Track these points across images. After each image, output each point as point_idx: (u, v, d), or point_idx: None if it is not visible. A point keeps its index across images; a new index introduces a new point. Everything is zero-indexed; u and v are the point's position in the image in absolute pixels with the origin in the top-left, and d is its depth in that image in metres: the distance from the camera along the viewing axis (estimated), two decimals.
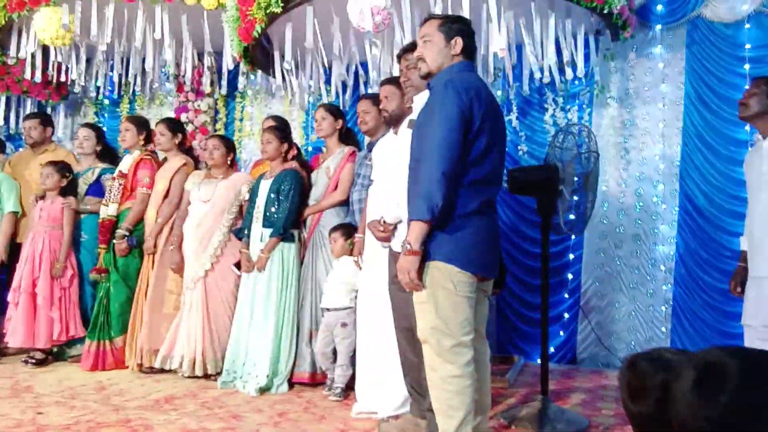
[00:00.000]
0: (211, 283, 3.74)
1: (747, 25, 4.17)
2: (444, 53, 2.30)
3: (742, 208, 4.05)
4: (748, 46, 4.15)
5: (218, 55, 5.00)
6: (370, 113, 3.49)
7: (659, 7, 4.35)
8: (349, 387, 3.33)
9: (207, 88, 5.40)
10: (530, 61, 4.00)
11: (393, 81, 3.16)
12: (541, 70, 3.99)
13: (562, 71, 4.15)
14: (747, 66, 4.13)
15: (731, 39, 4.20)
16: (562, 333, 4.39)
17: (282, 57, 4.24)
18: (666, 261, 4.27)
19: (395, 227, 2.68)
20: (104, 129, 5.02)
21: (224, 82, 5.18)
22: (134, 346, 3.83)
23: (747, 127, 4.09)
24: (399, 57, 2.84)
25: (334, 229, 3.53)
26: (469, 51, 2.34)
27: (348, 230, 3.46)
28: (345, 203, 3.72)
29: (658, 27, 4.37)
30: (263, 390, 3.38)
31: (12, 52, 4.78)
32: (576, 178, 3.09)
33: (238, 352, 3.55)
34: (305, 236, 3.75)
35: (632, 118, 4.43)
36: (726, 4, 4.17)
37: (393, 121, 3.10)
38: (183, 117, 5.40)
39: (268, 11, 3.79)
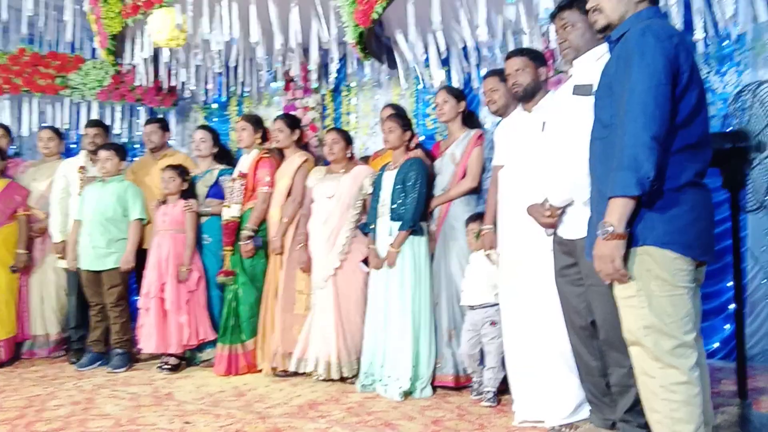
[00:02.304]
0: (342, 282, 3.57)
1: None
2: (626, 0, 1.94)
3: None
4: None
5: (321, 49, 4.85)
6: (498, 90, 3.17)
7: None
8: (500, 391, 3.04)
9: (314, 84, 5.25)
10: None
11: (523, 52, 2.85)
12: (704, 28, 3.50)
13: (715, 29, 3.66)
14: None
15: None
16: (728, 326, 3.88)
17: (396, 41, 3.99)
18: None
19: (563, 211, 2.35)
20: None
21: (332, 77, 5.02)
22: (266, 349, 3.73)
23: None
24: (553, 16, 2.51)
25: (472, 219, 3.25)
26: None
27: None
28: (475, 191, 3.44)
29: None
30: (407, 394, 3.16)
31: (126, 59, 4.83)
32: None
33: (375, 354, 3.34)
34: (433, 229, 3.49)
35: None
36: None
37: (527, 97, 2.79)
38: None
39: None
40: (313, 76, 5.20)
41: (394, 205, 3.42)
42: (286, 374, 3.62)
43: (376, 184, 3.59)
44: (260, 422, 2.78)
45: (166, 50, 4.72)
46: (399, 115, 3.71)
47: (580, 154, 2.09)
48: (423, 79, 4.80)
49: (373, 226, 3.52)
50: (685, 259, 1.78)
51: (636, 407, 1.99)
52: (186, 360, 4.06)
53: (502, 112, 3.21)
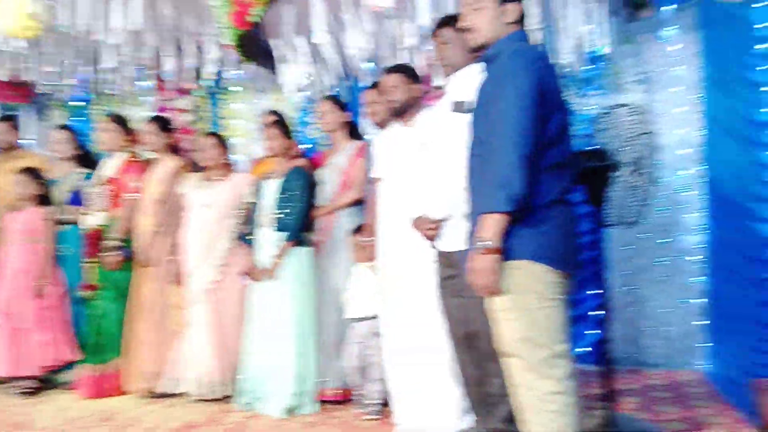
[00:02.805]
0: (219, 295, 3.39)
1: (760, 4, 4.03)
2: (499, 21, 2.00)
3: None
4: (762, 25, 4.02)
5: (198, 48, 4.61)
6: (379, 103, 3.20)
7: None
8: (385, 403, 3.02)
9: (190, 85, 4.96)
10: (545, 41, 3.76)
11: (399, 69, 2.91)
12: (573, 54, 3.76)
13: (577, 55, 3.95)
14: (760, 46, 4.00)
15: (744, 18, 4.07)
16: (590, 332, 4.15)
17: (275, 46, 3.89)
18: (695, 251, 4.10)
19: (443, 224, 2.39)
20: None
21: (208, 78, 4.77)
22: (135, 369, 3.44)
23: (765, 110, 3.98)
24: (433, 33, 2.56)
25: (356, 231, 3.22)
26: (522, 17, 2.06)
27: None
28: (359, 202, 3.41)
29: (670, 8, 4.20)
30: (290, 410, 3.05)
31: None
32: (626, 164, 2.85)
33: (256, 370, 3.19)
34: (318, 240, 3.42)
35: (650, 102, 4.24)
36: None
37: (402, 113, 2.84)
38: None
39: None
40: (188, 76, 4.93)
41: (277, 215, 3.30)
42: (159, 396, 3.37)
43: (258, 193, 3.45)
44: None
45: (20, 41, 4.23)
46: (281, 122, 3.60)
47: (458, 169, 2.13)
48: (305, 87, 4.72)
49: (253, 237, 3.37)
50: (556, 272, 1.84)
51: (512, 416, 2.03)
52: (45, 383, 3.66)
53: (383, 125, 3.22)
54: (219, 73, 4.91)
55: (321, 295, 3.31)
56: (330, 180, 3.45)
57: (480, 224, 1.81)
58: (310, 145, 4.89)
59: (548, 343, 1.81)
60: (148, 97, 5.35)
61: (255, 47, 4.26)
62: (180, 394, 3.32)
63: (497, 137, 1.82)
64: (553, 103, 1.88)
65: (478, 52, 2.09)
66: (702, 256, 4.06)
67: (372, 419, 2.93)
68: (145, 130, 3.77)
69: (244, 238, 3.44)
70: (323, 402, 3.19)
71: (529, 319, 1.81)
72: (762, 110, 3.98)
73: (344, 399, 3.20)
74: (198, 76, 4.99)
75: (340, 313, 3.25)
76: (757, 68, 3.97)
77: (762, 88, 3.96)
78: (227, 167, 3.67)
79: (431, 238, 2.45)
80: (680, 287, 4.09)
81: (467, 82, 2.30)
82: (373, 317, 3.05)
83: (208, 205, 3.50)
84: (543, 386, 1.80)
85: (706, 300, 4.01)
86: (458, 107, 2.35)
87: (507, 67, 1.88)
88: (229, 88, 5.26)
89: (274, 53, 4.10)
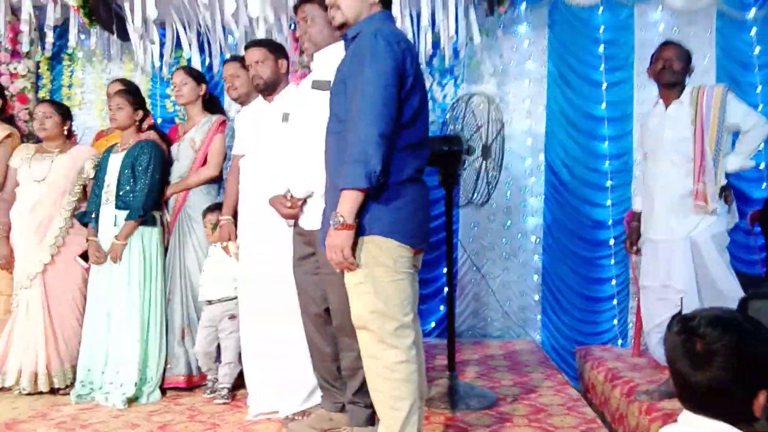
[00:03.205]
0: (53, 280, 3.11)
1: (601, 9, 4.41)
2: (362, 1, 2.01)
3: (601, 180, 4.36)
4: (602, 28, 4.41)
5: (37, 9, 4.16)
6: (240, 77, 3.09)
7: None
8: (235, 387, 2.97)
9: (26, 47, 4.46)
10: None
11: (264, 44, 2.82)
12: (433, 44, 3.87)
13: (437, 45, 4.09)
14: (602, 47, 4.39)
15: (587, 21, 4.43)
16: (442, 307, 4.37)
17: (132, 11, 3.61)
18: (535, 232, 4.44)
19: (305, 202, 2.37)
20: None
21: (49, 42, 4.32)
22: None
23: (603, 105, 4.38)
24: (295, 8, 2.50)
25: (210, 210, 3.09)
26: (389, 1, 2.08)
27: None
28: (215, 180, 3.29)
29: (523, 6, 4.47)
30: (131, 400, 2.88)
31: None
32: (478, 149, 3.00)
33: (94, 360, 2.97)
34: (168, 219, 3.25)
35: (502, 94, 4.50)
36: None
37: (267, 89, 2.77)
38: None
39: None
40: (25, 38, 4.43)
41: (121, 192, 3.07)
42: None
43: (100, 168, 3.19)
44: None
45: None
46: (129, 91, 3.33)
47: (319, 147, 2.12)
48: (161, 56, 4.44)
49: (94, 216, 3.11)
50: (406, 248, 1.90)
51: (363, 389, 2.08)
52: None
53: (243, 100, 3.12)
54: (62, 37, 4.49)
55: (171, 277, 3.15)
56: (184, 156, 3.27)
57: (339, 201, 1.82)
58: (163, 120, 4.63)
59: (396, 314, 1.87)
60: None
61: (104, 11, 3.93)
62: (4, 389, 3.01)
63: (355, 115, 1.83)
64: (411, 86, 1.91)
65: (341, 30, 2.08)
66: (540, 237, 4.40)
67: (221, 403, 2.85)
68: None
69: (84, 217, 3.17)
70: (171, 389, 3.05)
71: (379, 292, 1.85)
72: (601, 106, 4.40)
73: (192, 385, 3.09)
74: (37, 39, 4.52)
75: (192, 296, 3.13)
76: (599, 67, 4.38)
77: (602, 86, 4.37)
78: (67, 139, 3.36)
79: (290, 217, 2.42)
80: (520, 265, 4.43)
81: (330, 60, 2.27)
82: (228, 299, 2.97)
83: (42, 180, 3.18)
84: (390, 356, 1.85)
85: (542, 276, 4.37)
86: (319, 85, 2.32)
87: (367, 46, 1.88)
88: (77, 54, 4.81)
89: (128, 19, 3.80)
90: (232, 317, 2.95)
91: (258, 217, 2.67)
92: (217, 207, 3.09)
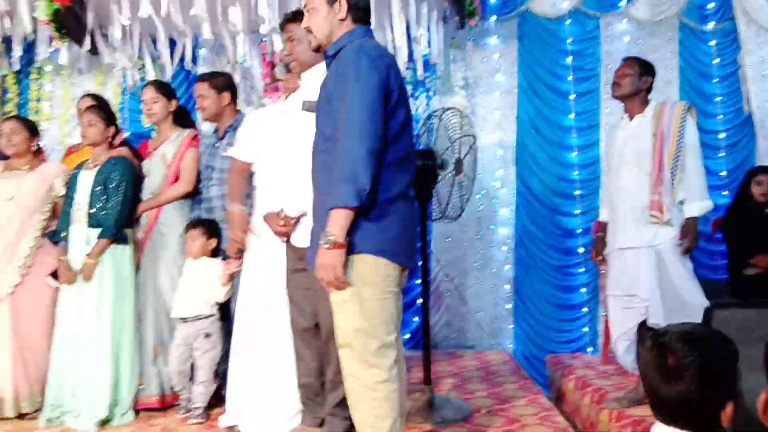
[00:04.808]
0: (21, 301, 3.05)
1: (568, 21, 4.52)
2: (329, 19, 2.01)
3: (570, 189, 4.44)
4: (569, 40, 4.51)
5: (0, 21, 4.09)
6: (208, 98, 3.12)
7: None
8: (210, 406, 2.95)
9: None
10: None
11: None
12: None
13: (410, 58, 4.14)
14: (569, 59, 4.49)
15: (555, 33, 4.53)
16: (416, 319, 4.40)
17: (101, 25, 3.59)
18: (506, 242, 4.50)
19: (298, 220, 2.37)
20: None
21: (15, 55, 4.25)
22: None
23: (572, 115, 4.47)
24: (281, 27, 2.52)
25: (193, 225, 3.05)
26: (361, 13, 2.05)
27: (210, 227, 3.03)
28: (189, 196, 3.26)
29: (493, 18, 4.54)
30: (103, 423, 2.85)
31: None
32: (452, 163, 3.04)
33: (64, 382, 2.92)
34: (140, 236, 3.22)
35: (472, 106, 4.57)
36: (549, 0, 4.48)
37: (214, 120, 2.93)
38: None
39: None
40: None
41: (93, 210, 3.04)
42: None
43: (71, 185, 3.15)
44: None
45: None
46: (100, 107, 3.32)
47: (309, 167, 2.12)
48: (132, 71, 4.41)
49: (64, 234, 3.07)
50: (394, 266, 1.90)
51: (344, 401, 2.07)
52: None
53: (214, 119, 3.12)
54: (29, 51, 4.43)
55: (143, 296, 3.12)
56: (156, 171, 3.25)
57: (329, 219, 1.81)
58: (134, 135, 4.58)
59: (380, 334, 1.86)
60: None
61: (74, 24, 3.89)
62: None
63: (343, 133, 1.83)
64: (396, 100, 1.91)
65: (319, 51, 2.09)
66: (511, 247, 4.47)
67: (196, 423, 2.83)
68: None
69: (54, 236, 3.13)
70: (143, 410, 3.02)
71: (365, 311, 1.85)
72: (569, 116, 4.49)
73: (166, 405, 3.06)
74: (2, 52, 4.45)
75: (164, 315, 3.10)
76: (567, 78, 4.48)
77: (570, 97, 4.47)
78: (35, 156, 3.32)
79: (283, 235, 2.42)
80: (492, 275, 4.50)
81: (319, 79, 2.22)
82: (204, 317, 2.95)
83: (10, 199, 3.13)
84: (370, 376, 1.85)
85: (513, 286, 4.43)
86: (308, 106, 2.32)
87: (350, 64, 1.88)
88: (45, 68, 4.75)
89: (98, 33, 3.77)
90: (207, 336, 2.93)
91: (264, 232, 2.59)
92: (201, 223, 3.06)
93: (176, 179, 3.23)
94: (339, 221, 1.80)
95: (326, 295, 2.01)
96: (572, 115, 4.46)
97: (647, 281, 2.75)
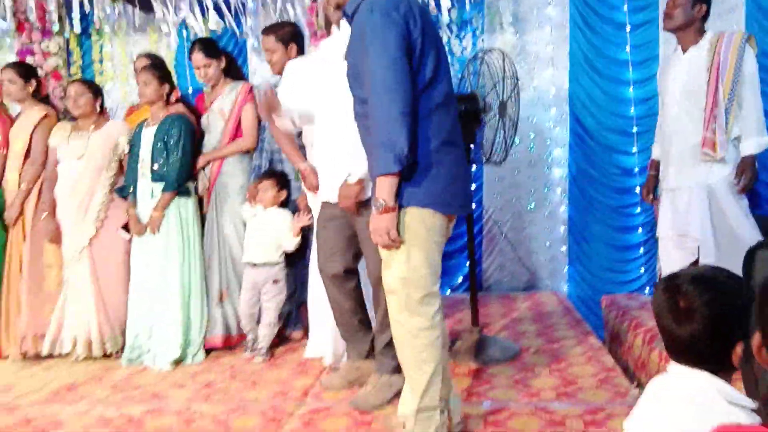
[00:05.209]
0: (98, 252, 3.29)
1: None
2: None
3: (627, 126, 4.30)
4: None
5: None
6: (276, 52, 3.14)
7: None
8: (273, 345, 3.17)
9: (55, 26, 4.59)
10: None
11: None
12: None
13: None
14: None
15: None
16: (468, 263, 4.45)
17: None
18: (561, 183, 4.44)
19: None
20: None
21: (76, 18, 4.43)
22: (12, 333, 3.33)
23: (628, 48, 4.28)
24: None
25: (265, 176, 3.21)
26: None
27: (281, 179, 3.18)
28: (248, 150, 3.37)
29: None
30: (177, 362, 3.10)
31: None
32: (495, 106, 3.02)
33: (141, 325, 3.19)
34: (204, 188, 3.38)
35: (522, 43, 4.44)
36: None
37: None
38: (29, 61, 4.58)
39: None
40: (53, 16, 4.56)
41: (156, 166, 3.23)
42: (39, 358, 3.28)
43: (134, 143, 3.34)
44: (7, 415, 2.51)
45: None
46: (155, 65, 3.44)
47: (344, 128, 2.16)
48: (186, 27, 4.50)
49: (132, 189, 3.28)
50: (442, 217, 1.92)
51: (392, 342, 2.13)
52: None
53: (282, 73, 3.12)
54: (88, 14, 4.60)
55: (209, 243, 3.30)
56: (214, 126, 3.36)
57: (376, 185, 1.85)
58: (194, 90, 4.73)
59: (425, 284, 1.92)
60: (8, 39, 4.92)
61: None
62: (62, 355, 3.25)
63: (373, 97, 1.82)
64: (422, 47, 1.87)
65: (339, 9, 2.09)
66: (565, 188, 4.41)
67: (261, 362, 3.05)
68: (3, 78, 3.48)
69: (122, 191, 3.35)
70: (211, 350, 3.25)
71: (411, 261, 1.89)
72: (625, 49, 4.30)
73: (230, 345, 3.27)
74: (64, 15, 4.64)
75: (230, 261, 3.28)
76: (623, 8, 4.26)
77: (626, 28, 4.27)
78: (100, 115, 3.50)
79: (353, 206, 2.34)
80: (547, 217, 4.45)
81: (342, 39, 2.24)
82: (272, 264, 3.10)
83: (80, 157, 3.34)
84: (414, 323, 1.92)
85: (568, 228, 4.40)
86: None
87: (366, 24, 1.86)
88: (104, 29, 4.92)
89: None
90: (275, 282, 3.11)
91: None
92: (273, 175, 3.19)
93: (236, 133, 3.33)
94: (386, 187, 1.83)
95: (374, 245, 2.04)
96: (628, 48, 4.27)
97: (699, 220, 2.69)
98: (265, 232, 3.13)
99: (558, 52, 4.43)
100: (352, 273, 2.52)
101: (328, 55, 2.49)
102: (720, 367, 1.15)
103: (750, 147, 2.69)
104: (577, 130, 4.39)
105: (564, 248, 4.45)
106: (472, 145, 3.10)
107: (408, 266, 1.90)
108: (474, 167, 4.36)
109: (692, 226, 2.72)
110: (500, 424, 2.17)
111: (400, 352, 2.00)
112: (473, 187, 4.48)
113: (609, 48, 4.32)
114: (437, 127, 1.91)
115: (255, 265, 3.12)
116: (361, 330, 2.58)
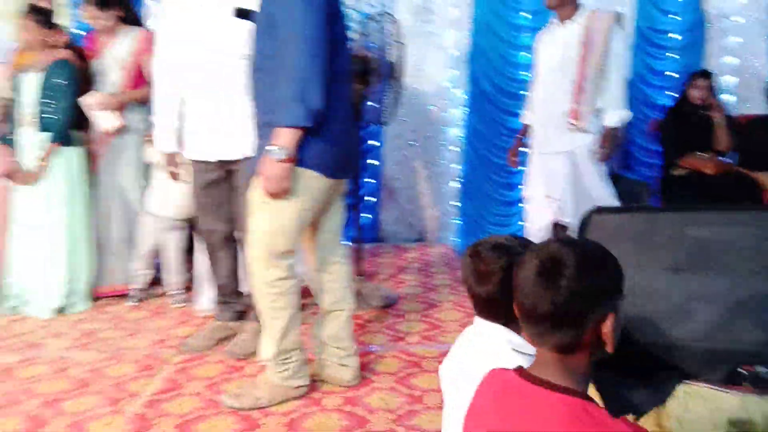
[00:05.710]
0: None
1: None
2: None
3: (518, 90, 4.48)
4: None
5: None
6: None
7: None
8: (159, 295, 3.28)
9: None
10: None
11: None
12: None
13: None
14: None
15: None
16: (370, 215, 4.61)
17: None
18: (456, 142, 4.62)
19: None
20: None
21: None
22: None
23: (526, 14, 4.42)
24: None
25: None
26: None
27: None
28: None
29: None
30: (59, 310, 3.11)
31: None
32: (384, 68, 3.10)
33: (22, 274, 3.16)
34: (99, 135, 3.30)
35: (429, 4, 4.50)
36: None
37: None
38: None
39: None
40: None
41: (41, 114, 3.13)
42: None
43: (16, 89, 3.21)
44: None
45: None
46: (38, 10, 3.28)
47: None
48: None
49: (14, 137, 3.18)
50: (320, 178, 1.97)
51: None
52: None
53: None
54: None
55: (105, 192, 3.27)
56: (111, 70, 3.27)
57: (279, 135, 1.85)
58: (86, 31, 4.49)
59: (289, 240, 2.00)
60: None
61: None
62: None
63: (290, 51, 1.82)
64: (335, 9, 1.90)
65: None
66: (460, 146, 4.60)
67: (179, 307, 3.15)
68: None
69: (4, 139, 3.23)
70: (101, 298, 3.27)
71: (280, 216, 1.95)
72: (521, 14, 4.44)
73: (120, 294, 3.29)
74: None
75: (128, 210, 3.27)
76: None
77: None
78: None
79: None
80: (441, 174, 4.65)
81: None
82: (170, 219, 3.12)
83: None
84: (272, 273, 2.02)
85: (461, 184, 4.61)
86: (241, 14, 2.28)
87: None
88: None
89: None
90: (173, 230, 3.16)
91: None
92: None
93: (137, 79, 3.25)
94: (290, 138, 1.84)
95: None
96: (526, 14, 4.41)
97: (561, 183, 2.92)
98: (164, 185, 3.06)
99: (463, 14, 4.51)
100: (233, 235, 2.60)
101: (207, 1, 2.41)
102: (511, 320, 1.29)
103: (612, 119, 2.91)
104: (475, 92, 4.54)
105: (455, 203, 4.66)
106: (368, 104, 3.18)
107: (278, 221, 1.97)
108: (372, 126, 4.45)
109: (555, 188, 2.94)
110: (364, 366, 2.35)
111: (258, 301, 2.10)
112: (374, 143, 4.59)
113: (509, 13, 4.44)
114: (340, 91, 1.97)
115: (156, 215, 3.13)
116: (237, 293, 2.70)
